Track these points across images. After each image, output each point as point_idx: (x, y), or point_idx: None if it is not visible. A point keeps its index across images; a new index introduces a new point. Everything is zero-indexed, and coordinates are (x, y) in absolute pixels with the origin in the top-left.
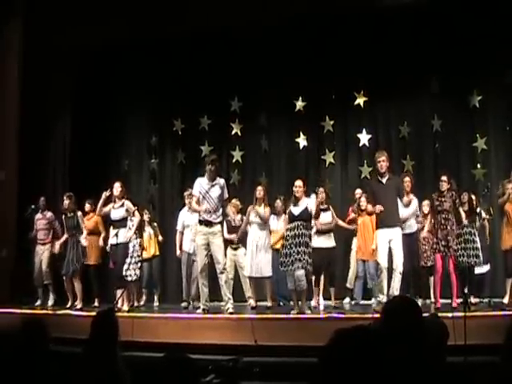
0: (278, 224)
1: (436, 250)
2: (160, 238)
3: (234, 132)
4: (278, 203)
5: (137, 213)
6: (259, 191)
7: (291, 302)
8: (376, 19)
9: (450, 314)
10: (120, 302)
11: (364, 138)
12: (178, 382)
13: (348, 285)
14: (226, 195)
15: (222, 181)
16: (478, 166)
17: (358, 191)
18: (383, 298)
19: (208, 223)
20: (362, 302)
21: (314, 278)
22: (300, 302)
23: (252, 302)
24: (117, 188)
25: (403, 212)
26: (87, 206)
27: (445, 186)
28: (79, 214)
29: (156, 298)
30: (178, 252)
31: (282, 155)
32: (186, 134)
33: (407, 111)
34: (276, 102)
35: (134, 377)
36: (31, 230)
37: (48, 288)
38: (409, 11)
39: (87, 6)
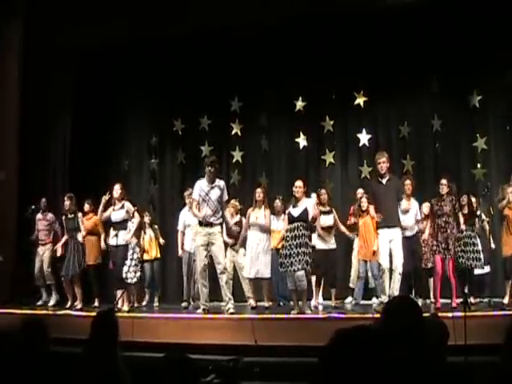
0: (278, 224)
1: (436, 252)
2: (162, 241)
3: (234, 132)
4: (278, 203)
5: (136, 214)
6: (258, 194)
7: (291, 302)
8: (376, 19)
9: (450, 314)
10: (120, 302)
11: (364, 137)
12: (178, 382)
13: (351, 285)
14: (226, 197)
15: (221, 182)
16: (478, 165)
17: (360, 191)
18: (385, 299)
19: (208, 224)
20: (362, 301)
21: (314, 278)
22: (301, 302)
23: (252, 302)
24: (116, 190)
25: (403, 219)
26: (86, 207)
27: (445, 189)
28: (80, 215)
29: (156, 298)
30: (179, 252)
31: (282, 155)
32: (186, 134)
33: (407, 111)
34: (276, 101)
35: (134, 377)
36: (32, 232)
37: (50, 288)
38: (408, 11)
39: (87, 5)
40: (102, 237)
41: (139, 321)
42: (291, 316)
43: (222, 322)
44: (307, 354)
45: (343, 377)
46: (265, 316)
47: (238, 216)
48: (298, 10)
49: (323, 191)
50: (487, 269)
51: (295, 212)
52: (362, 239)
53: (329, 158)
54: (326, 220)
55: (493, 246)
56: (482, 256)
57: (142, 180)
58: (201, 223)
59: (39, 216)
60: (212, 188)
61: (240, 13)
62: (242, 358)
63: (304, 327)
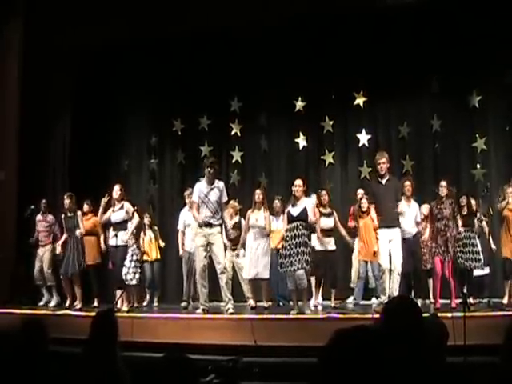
0: (278, 224)
1: (435, 254)
2: (162, 244)
3: (233, 132)
4: (277, 204)
5: (136, 214)
6: (258, 195)
7: (291, 303)
8: (376, 19)
9: (449, 314)
10: (119, 302)
11: (363, 138)
12: (178, 382)
13: (352, 285)
14: (226, 198)
15: (221, 183)
16: (478, 166)
17: (360, 192)
18: (385, 299)
19: (208, 225)
20: (362, 302)
21: (314, 279)
22: (301, 303)
23: (252, 302)
24: (116, 191)
25: (404, 224)
26: (85, 207)
27: (444, 192)
28: (79, 213)
29: (156, 299)
30: (180, 251)
31: (281, 155)
32: (185, 135)
33: (407, 111)
34: (276, 102)
35: (134, 377)
36: (32, 234)
37: (51, 289)
38: (408, 11)
39: (87, 5)
40: (102, 238)
41: (139, 321)
42: (290, 316)
43: (222, 322)
44: (307, 355)
45: (343, 377)
46: (264, 316)
47: (238, 217)
48: (298, 10)
49: (324, 192)
50: (487, 270)
51: (294, 211)
52: (362, 240)
53: (328, 158)
54: (327, 222)
55: (493, 247)
56: (481, 257)
57: (141, 180)
58: (200, 224)
59: (39, 217)
60: (211, 189)
61: (240, 13)
62: (242, 358)
63: (303, 327)
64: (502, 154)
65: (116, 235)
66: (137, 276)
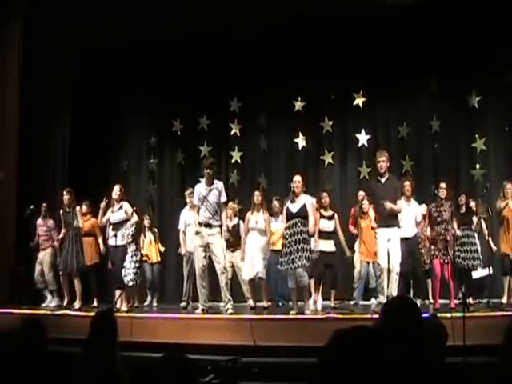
0: (277, 225)
1: (434, 256)
2: (162, 248)
3: (233, 132)
4: (276, 204)
5: (135, 214)
6: (257, 197)
7: (290, 303)
8: (375, 19)
9: (448, 315)
10: (119, 302)
11: (363, 138)
12: (177, 382)
13: (355, 285)
14: (225, 198)
15: (219, 184)
16: (477, 166)
17: (361, 193)
18: (383, 299)
19: (207, 225)
20: (362, 302)
21: (313, 280)
22: (301, 302)
23: (251, 302)
24: (116, 191)
25: (404, 228)
26: (84, 208)
27: (444, 194)
28: (78, 208)
29: (155, 300)
30: (182, 250)
31: (281, 155)
32: (185, 135)
33: (406, 111)
34: (275, 102)
35: (133, 377)
36: (33, 238)
37: (53, 293)
38: (408, 11)
39: (87, 5)
40: (100, 239)
41: (138, 321)
42: (290, 316)
43: (221, 323)
44: (306, 355)
45: (342, 377)
46: (263, 316)
47: (236, 219)
48: (298, 9)
49: (325, 194)
50: (487, 271)
51: (293, 208)
52: (363, 241)
53: (328, 158)
54: (328, 225)
55: (494, 247)
56: (480, 256)
57: (141, 180)
58: (200, 224)
59: (40, 222)
60: (210, 190)
61: (240, 13)
62: (241, 358)
63: (303, 327)
64: (502, 155)
65: (115, 235)
66: (136, 277)
